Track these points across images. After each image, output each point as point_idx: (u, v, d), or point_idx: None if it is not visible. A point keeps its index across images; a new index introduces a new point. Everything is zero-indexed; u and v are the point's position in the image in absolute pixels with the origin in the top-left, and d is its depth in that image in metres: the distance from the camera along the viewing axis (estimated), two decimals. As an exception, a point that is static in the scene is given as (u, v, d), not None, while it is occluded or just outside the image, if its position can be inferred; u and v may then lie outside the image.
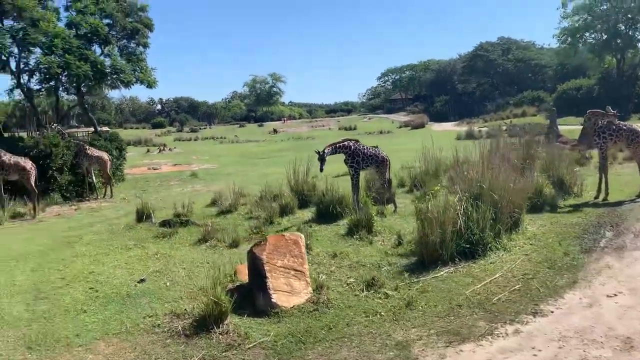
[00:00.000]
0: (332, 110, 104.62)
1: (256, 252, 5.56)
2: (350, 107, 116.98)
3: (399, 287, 5.77)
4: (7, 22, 20.73)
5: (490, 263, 6.40)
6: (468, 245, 6.54)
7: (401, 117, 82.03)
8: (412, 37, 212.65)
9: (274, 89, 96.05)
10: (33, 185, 14.92)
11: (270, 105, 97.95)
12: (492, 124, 48.18)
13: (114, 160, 22.13)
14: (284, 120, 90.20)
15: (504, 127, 40.04)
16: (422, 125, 58.43)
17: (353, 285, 5.89)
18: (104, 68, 20.64)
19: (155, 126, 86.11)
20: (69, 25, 21.40)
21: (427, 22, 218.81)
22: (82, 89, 23.17)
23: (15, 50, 20.22)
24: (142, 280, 6.58)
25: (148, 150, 43.39)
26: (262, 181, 19.42)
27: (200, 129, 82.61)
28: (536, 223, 8.31)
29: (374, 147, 11.29)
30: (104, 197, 18.41)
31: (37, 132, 21.90)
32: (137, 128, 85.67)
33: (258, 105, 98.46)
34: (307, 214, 10.79)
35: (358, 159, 10.63)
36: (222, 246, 8.38)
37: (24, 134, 33.92)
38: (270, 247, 5.59)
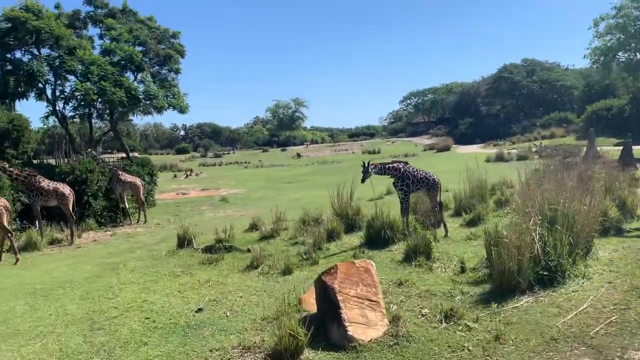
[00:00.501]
0: (355, 134, 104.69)
1: (326, 281, 5.20)
2: (372, 130, 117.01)
3: (479, 319, 5.33)
4: (44, 51, 21.20)
5: (573, 292, 5.93)
6: (546, 273, 6.08)
7: (424, 140, 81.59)
8: (433, 61, 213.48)
9: (297, 114, 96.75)
10: (71, 211, 14.89)
11: (293, 130, 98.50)
12: (520, 145, 47.46)
13: (146, 185, 22.22)
14: (307, 144, 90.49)
15: (534, 149, 39.35)
16: (447, 148, 57.93)
17: (429, 317, 5.47)
18: (137, 94, 20.85)
19: (180, 152, 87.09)
20: (104, 52, 21.76)
21: (449, 46, 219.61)
22: (114, 115, 23.44)
23: (52, 77, 20.60)
24: (199, 310, 6.26)
25: (175, 176, 43.68)
26: (294, 205, 19.18)
27: (224, 154, 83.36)
28: (607, 248, 7.80)
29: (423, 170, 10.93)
30: (137, 222, 18.35)
31: (72, 158, 22.11)
32: (161, 154, 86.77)
33: (280, 130, 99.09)
34: (354, 239, 10.41)
35: (408, 181, 10.26)
36: (274, 273, 8.03)
37: (52, 161, 34.40)
38: (341, 275, 5.23)
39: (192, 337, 5.45)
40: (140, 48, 22.13)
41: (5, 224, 11.95)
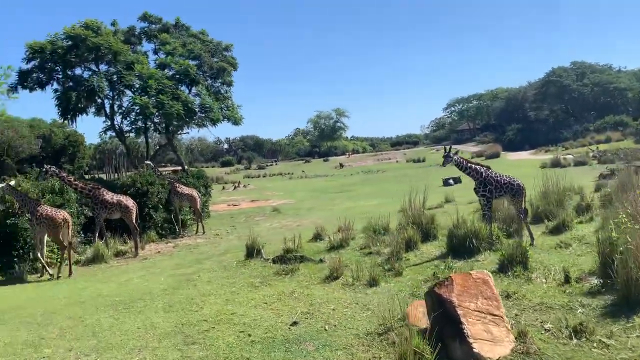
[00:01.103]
0: (397, 143, 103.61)
1: (442, 294, 4.79)
2: (414, 139, 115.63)
3: (613, 334, 4.80)
4: (102, 67, 21.73)
5: None
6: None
7: (470, 147, 79.80)
8: (475, 67, 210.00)
9: (338, 124, 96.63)
10: (134, 223, 15.00)
11: (334, 140, 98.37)
12: (575, 151, 45.63)
13: (202, 197, 22.37)
14: (349, 154, 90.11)
15: (591, 154, 37.68)
16: (496, 155, 56.39)
17: (554, 332, 4.96)
18: (193, 107, 21.04)
19: (224, 164, 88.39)
20: (159, 67, 22.11)
21: (492, 52, 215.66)
22: (170, 128, 23.76)
23: (110, 92, 21.05)
24: (294, 323, 5.94)
25: (223, 188, 44.15)
26: (348, 215, 18.80)
27: (267, 165, 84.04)
28: None
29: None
30: (196, 233, 18.40)
31: (123, 173, 22.47)
32: (206, 167, 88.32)
33: (322, 141, 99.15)
34: (432, 248, 9.92)
35: (490, 187, 9.73)
36: (359, 284, 7.65)
37: (103, 176, 35.28)
38: (458, 287, 4.81)
39: (295, 352, 5.13)
40: (194, 62, 22.37)
41: (61, 237, 12.06)
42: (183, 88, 22.50)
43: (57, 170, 15.21)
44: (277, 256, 10.60)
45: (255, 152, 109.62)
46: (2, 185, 12.45)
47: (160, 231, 18.18)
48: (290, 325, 5.93)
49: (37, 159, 33.31)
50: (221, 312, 6.81)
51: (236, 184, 45.57)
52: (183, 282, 9.36)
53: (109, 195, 15.15)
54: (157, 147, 30.86)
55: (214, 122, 22.69)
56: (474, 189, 10.01)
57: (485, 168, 9.97)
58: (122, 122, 22.30)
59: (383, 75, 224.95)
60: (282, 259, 10.42)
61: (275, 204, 28.71)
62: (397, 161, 73.85)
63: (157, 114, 19.68)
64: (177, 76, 21.52)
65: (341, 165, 74.70)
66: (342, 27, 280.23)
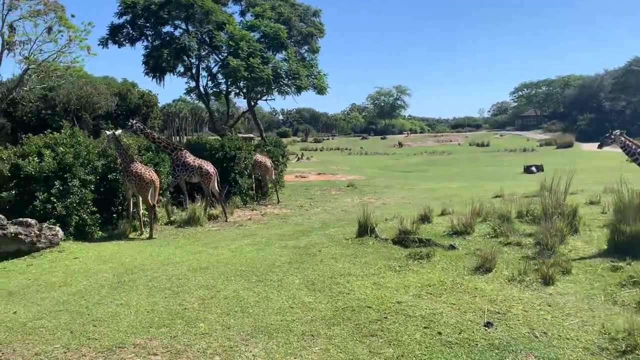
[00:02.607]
0: (459, 125, 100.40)
1: None
2: (472, 122, 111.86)
3: None
4: (190, 27, 21.18)
5: None
6: None
7: (537, 134, 76.33)
8: (540, 52, 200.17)
9: (398, 102, 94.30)
10: (211, 189, 14.50)
11: (393, 118, 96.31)
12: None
13: (280, 166, 21.84)
14: (407, 133, 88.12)
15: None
16: (569, 145, 53.65)
17: None
18: (282, 72, 20.28)
19: (280, 136, 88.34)
20: (248, 29, 21.40)
21: (561, 36, 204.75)
22: (251, 94, 23.17)
23: (200, 52, 20.52)
24: (489, 324, 5.07)
25: (288, 159, 43.77)
26: (433, 197, 17.75)
27: (323, 139, 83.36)
28: None
29: None
30: (278, 202, 17.97)
31: (183, 137, 22.05)
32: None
33: (380, 118, 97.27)
34: (580, 243, 8.76)
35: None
36: (530, 280, 6.67)
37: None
38: None
39: (513, 363, 4.27)
40: (283, 26, 21.53)
41: (149, 198, 11.65)
42: (269, 52, 21.77)
43: (141, 126, 14.89)
44: (398, 237, 9.75)
45: (310, 125, 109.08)
46: (109, 133, 12.13)
47: (244, 198, 17.79)
48: (484, 326, 5.06)
49: (112, 116, 33.69)
50: (381, 298, 6.03)
51: (299, 156, 45.08)
52: (305, 257, 8.67)
53: (191, 158, 14.70)
54: (242, 113, 30.30)
55: (299, 89, 21.91)
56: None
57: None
58: (207, 83, 21.85)
59: (443, 56, 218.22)
60: (402, 241, 9.57)
61: (345, 179, 27.95)
62: (459, 144, 71.53)
63: (246, 77, 19.00)
64: (266, 40, 20.75)
65: (400, 145, 73.16)
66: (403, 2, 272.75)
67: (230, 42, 19.03)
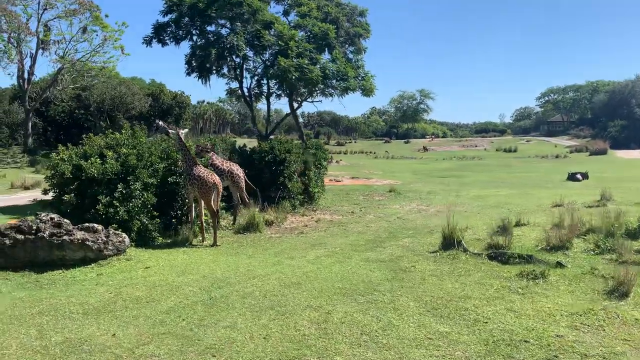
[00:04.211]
0: (483, 130, 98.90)
1: None
2: (493, 127, 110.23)
3: None
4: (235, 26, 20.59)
5: None
6: None
7: (564, 141, 74.72)
8: (565, 58, 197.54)
9: (421, 106, 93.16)
10: (241, 194, 13.78)
11: (416, 122, 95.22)
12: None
13: (322, 170, 21.13)
14: (431, 138, 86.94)
15: None
16: (603, 152, 52.21)
17: None
18: (329, 73, 19.60)
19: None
20: (294, 28, 20.75)
21: (587, 42, 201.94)
22: (292, 96, 22.52)
23: (248, 52, 19.95)
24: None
25: (329, 163, 43.10)
26: (490, 204, 16.91)
27: (346, 142, 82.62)
28: None
29: None
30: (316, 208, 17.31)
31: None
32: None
33: (403, 122, 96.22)
34: None
35: None
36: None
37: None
38: None
39: None
40: (332, 25, 20.83)
41: (212, 203, 11.01)
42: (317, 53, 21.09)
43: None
44: (493, 252, 8.97)
45: (331, 128, 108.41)
46: (173, 132, 11.53)
47: (294, 202, 17.10)
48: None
49: (145, 116, 33.35)
50: (531, 329, 5.25)
51: (329, 159, 44.31)
52: (399, 273, 7.93)
53: (219, 161, 13.89)
54: (285, 115, 29.60)
55: (344, 91, 21.20)
56: None
57: None
58: (251, 85, 21.26)
59: (463, 61, 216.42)
60: (498, 257, 8.79)
61: (381, 183, 27.20)
62: (485, 149, 70.20)
63: (296, 77, 18.32)
64: (314, 39, 20.08)
65: (425, 149, 72.08)
66: (425, 7, 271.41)
67: (279, 42, 18.37)
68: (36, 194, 23.10)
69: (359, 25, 22.03)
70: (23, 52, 32.13)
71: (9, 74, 41.64)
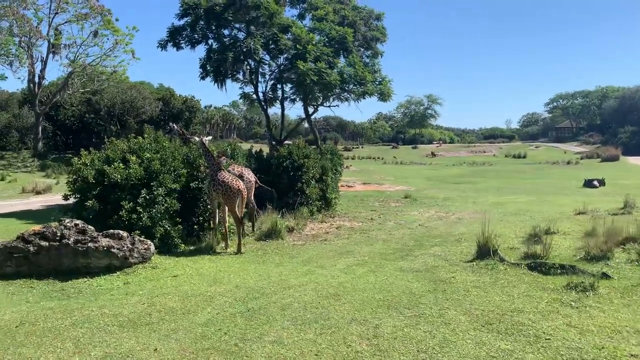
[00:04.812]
0: (491, 136, 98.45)
1: None
2: (499, 132, 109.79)
3: None
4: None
5: None
6: None
7: (573, 147, 74.24)
8: (571, 64, 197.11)
9: (429, 111, 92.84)
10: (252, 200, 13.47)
11: (423, 128, 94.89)
12: None
13: (337, 175, 20.87)
14: (439, 143, 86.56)
15: None
16: (615, 158, 51.80)
17: None
18: (347, 77, 19.34)
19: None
20: (310, 32, 20.52)
21: (594, 49, 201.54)
22: (308, 100, 22.26)
23: (264, 56, 19.73)
24: None
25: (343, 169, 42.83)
26: (510, 211, 16.53)
27: (353, 147, 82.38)
28: None
29: None
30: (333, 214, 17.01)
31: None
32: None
33: (410, 127, 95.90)
34: None
35: None
36: None
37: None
38: None
39: None
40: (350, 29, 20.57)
41: (237, 210, 10.74)
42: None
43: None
44: (533, 262, 8.63)
45: (337, 133, 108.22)
46: (197, 139, 11.30)
47: (311, 209, 16.80)
48: None
49: (155, 120, 33.17)
50: (601, 347, 4.93)
51: (343, 165, 44.06)
52: (439, 284, 7.61)
53: (230, 165, 13.61)
54: (301, 120, 29.31)
55: (360, 95, 20.93)
56: None
57: None
58: (266, 89, 21.01)
59: (468, 67, 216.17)
60: (538, 267, 8.46)
61: (394, 189, 26.92)
62: (494, 155, 69.79)
63: (315, 82, 18.05)
64: (331, 43, 19.83)
65: (433, 154, 71.81)
66: (430, 9, 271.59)
67: (297, 46, 18.12)
68: (48, 199, 22.92)
69: (376, 29, 21.79)
70: (34, 56, 32.07)
71: (19, 78, 41.62)
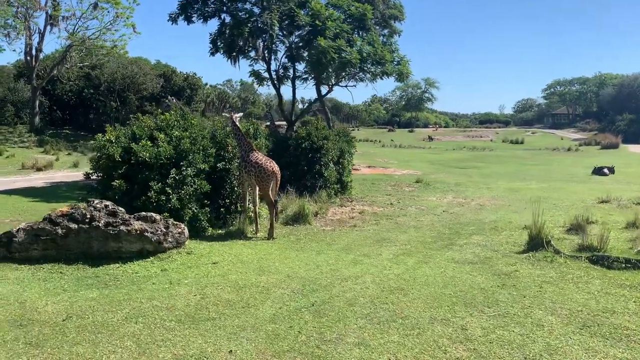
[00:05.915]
0: (487, 121, 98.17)
1: None
2: (492, 118, 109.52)
3: None
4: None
5: None
6: None
7: (569, 133, 74.19)
8: (569, 50, 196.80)
9: (426, 95, 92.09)
10: None
11: (419, 111, 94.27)
12: None
13: (351, 160, 20.28)
14: (436, 127, 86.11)
15: None
16: (615, 146, 51.64)
17: None
18: (366, 56, 18.61)
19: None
20: (329, 8, 19.69)
21: (592, 36, 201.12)
22: (321, 79, 21.52)
23: (280, 32, 18.89)
24: None
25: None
26: (528, 198, 16.12)
27: (350, 130, 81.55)
28: None
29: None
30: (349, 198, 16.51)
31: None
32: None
33: (407, 110, 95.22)
34: None
35: None
36: None
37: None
38: None
39: None
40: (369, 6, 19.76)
41: (271, 193, 10.16)
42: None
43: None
44: (594, 255, 8.17)
45: (332, 115, 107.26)
46: (227, 115, 10.62)
47: (329, 191, 16.24)
48: None
49: (156, 97, 32.18)
50: None
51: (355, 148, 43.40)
52: (505, 279, 7.11)
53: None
54: (313, 101, 28.49)
55: (377, 75, 20.24)
56: None
57: None
58: (279, 67, 20.23)
59: (463, 51, 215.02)
60: (600, 261, 8.00)
61: (400, 173, 26.50)
62: (491, 140, 69.54)
63: (334, 59, 17.31)
64: (350, 20, 19.06)
65: (430, 138, 71.37)
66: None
67: (316, 22, 17.32)
68: (49, 176, 22.12)
69: (394, 7, 21.01)
70: (31, 28, 30.79)
71: (14, 50, 40.24)
